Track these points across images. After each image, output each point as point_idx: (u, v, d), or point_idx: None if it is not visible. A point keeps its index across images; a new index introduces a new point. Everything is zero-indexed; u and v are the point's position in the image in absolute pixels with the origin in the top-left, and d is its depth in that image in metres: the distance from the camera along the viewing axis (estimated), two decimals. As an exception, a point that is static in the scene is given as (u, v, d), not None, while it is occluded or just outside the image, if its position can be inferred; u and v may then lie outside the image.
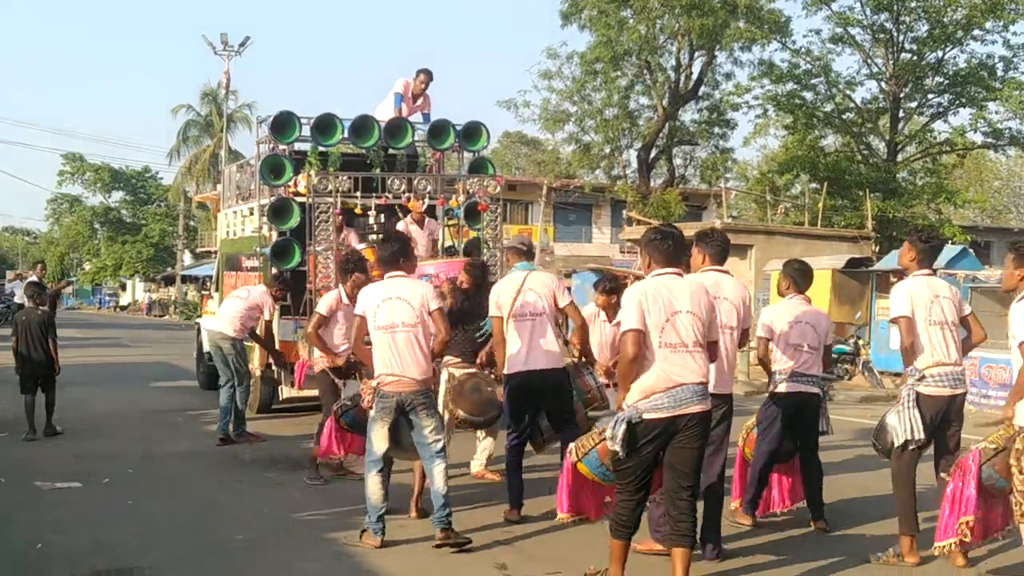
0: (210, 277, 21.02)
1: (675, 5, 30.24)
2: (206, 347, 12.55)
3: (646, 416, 5.74)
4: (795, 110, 32.96)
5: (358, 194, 12.58)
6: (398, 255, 7.30)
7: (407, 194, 12.76)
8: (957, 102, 32.28)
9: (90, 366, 20.99)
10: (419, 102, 14.26)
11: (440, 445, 7.16)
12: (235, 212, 14.96)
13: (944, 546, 6.46)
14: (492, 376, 8.58)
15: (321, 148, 12.98)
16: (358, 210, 12.65)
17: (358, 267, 9.29)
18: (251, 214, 13.83)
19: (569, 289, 9.34)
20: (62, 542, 7.30)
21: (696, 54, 33.53)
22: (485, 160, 14.41)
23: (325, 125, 12.73)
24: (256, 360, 12.69)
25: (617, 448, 5.75)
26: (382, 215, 13.00)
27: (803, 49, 32.87)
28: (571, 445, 6.61)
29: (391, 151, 13.69)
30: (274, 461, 10.40)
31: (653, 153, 34.82)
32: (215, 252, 18.89)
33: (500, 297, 7.93)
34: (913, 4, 30.88)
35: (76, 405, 14.14)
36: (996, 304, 16.21)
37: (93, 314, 66.03)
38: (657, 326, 5.74)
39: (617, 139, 34.84)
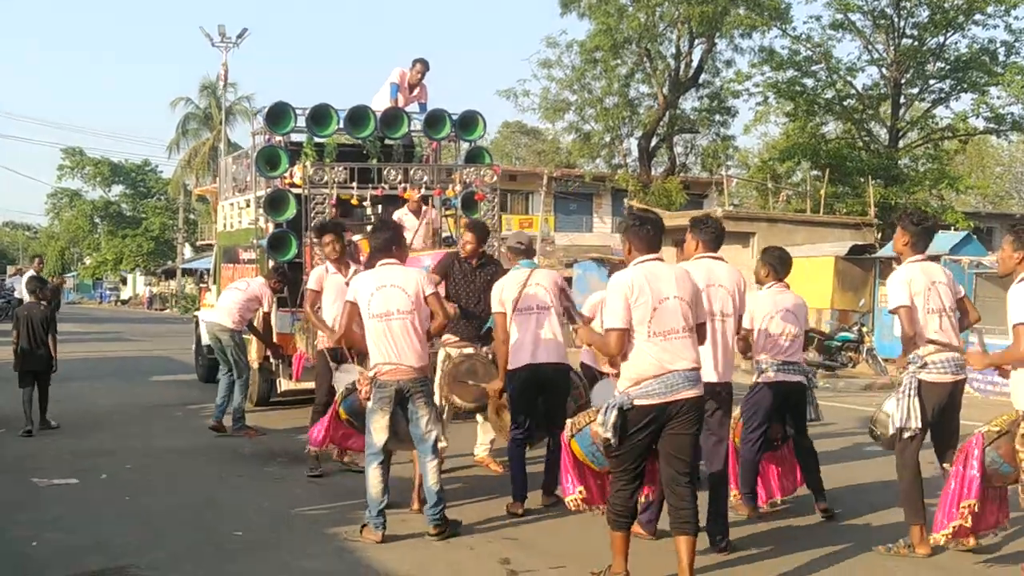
0: (208, 270, 20.96)
1: (675, -8, 30.16)
2: (205, 340, 12.54)
3: (637, 403, 5.70)
4: (796, 97, 32.83)
5: (354, 185, 12.51)
6: (391, 243, 7.27)
7: (403, 184, 12.69)
8: (959, 87, 32.15)
9: (90, 360, 20.94)
10: (415, 92, 14.17)
11: (434, 438, 7.10)
12: (232, 204, 14.91)
13: (944, 535, 6.37)
14: (489, 356, 8.55)
15: (317, 139, 12.90)
16: (354, 201, 12.57)
17: (328, 229, 9.46)
18: (248, 206, 13.78)
19: (570, 281, 9.30)
20: (59, 540, 7.20)
21: (696, 41, 33.43)
22: (482, 150, 14.31)
23: (320, 115, 12.63)
24: (254, 352, 12.62)
25: (608, 435, 5.70)
26: (379, 206, 12.92)
27: (803, 36, 32.76)
28: (568, 422, 6.56)
29: (387, 141, 13.62)
30: (273, 455, 10.32)
31: (654, 141, 34.72)
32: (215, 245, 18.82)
33: (504, 293, 7.87)
34: (914, -11, 30.79)
35: (76, 400, 14.11)
36: (1001, 290, 16.05)
37: (94, 308, 66.02)
38: (645, 316, 5.70)
39: (617, 128, 34.74)
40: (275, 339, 12.06)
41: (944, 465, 6.72)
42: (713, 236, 7.00)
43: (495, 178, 13.17)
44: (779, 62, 32.60)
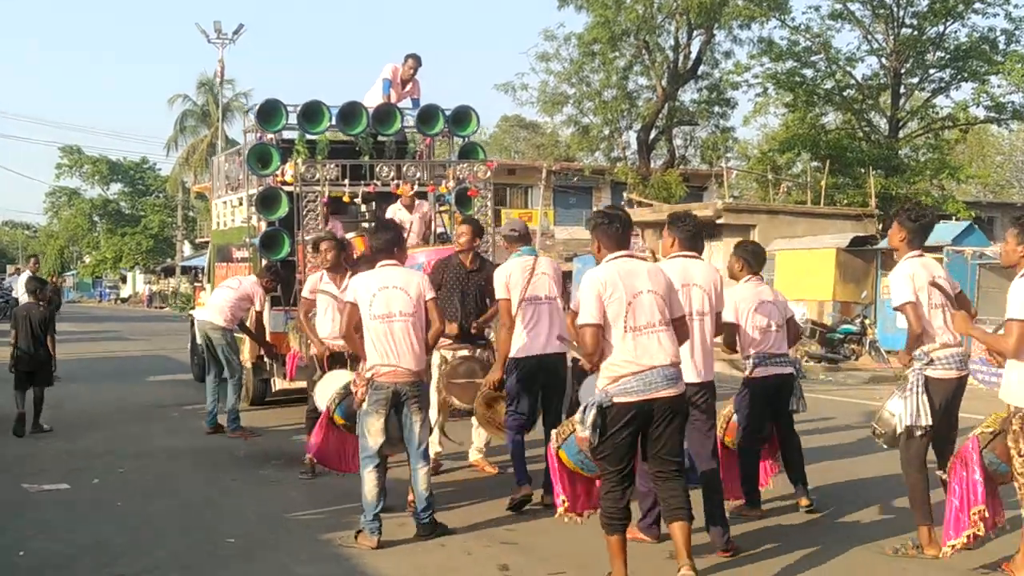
0: (202, 269, 20.93)
1: (672, -17, 30.01)
2: (199, 338, 12.42)
3: (616, 400, 5.65)
4: (795, 88, 32.75)
5: (346, 182, 12.37)
6: (392, 244, 7.20)
7: (396, 181, 12.56)
8: (959, 77, 32.06)
9: (87, 360, 20.83)
10: (408, 88, 14.03)
11: (426, 445, 7.10)
12: (225, 202, 14.80)
13: (956, 543, 6.21)
14: (486, 357, 8.49)
15: (309, 136, 12.77)
16: (346, 198, 12.45)
17: (321, 239, 9.54)
18: (240, 204, 13.67)
19: (569, 275, 9.25)
20: (46, 548, 7.05)
21: (695, 33, 33.26)
22: (475, 145, 14.22)
23: (312, 112, 12.51)
24: (247, 352, 12.52)
25: (588, 434, 5.64)
26: (372, 203, 12.80)
27: (802, 26, 32.73)
28: (552, 432, 6.48)
29: (380, 138, 13.49)
30: (268, 457, 10.16)
31: (653, 134, 34.61)
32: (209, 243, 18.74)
33: (511, 279, 7.80)
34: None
35: (71, 401, 13.97)
36: (1005, 281, 15.95)
37: (94, 307, 66.01)
38: (620, 312, 5.68)
39: (616, 120, 34.60)
40: (268, 338, 11.98)
41: (939, 473, 6.62)
42: (690, 234, 6.87)
43: (488, 173, 13.05)
44: (778, 53, 32.51)
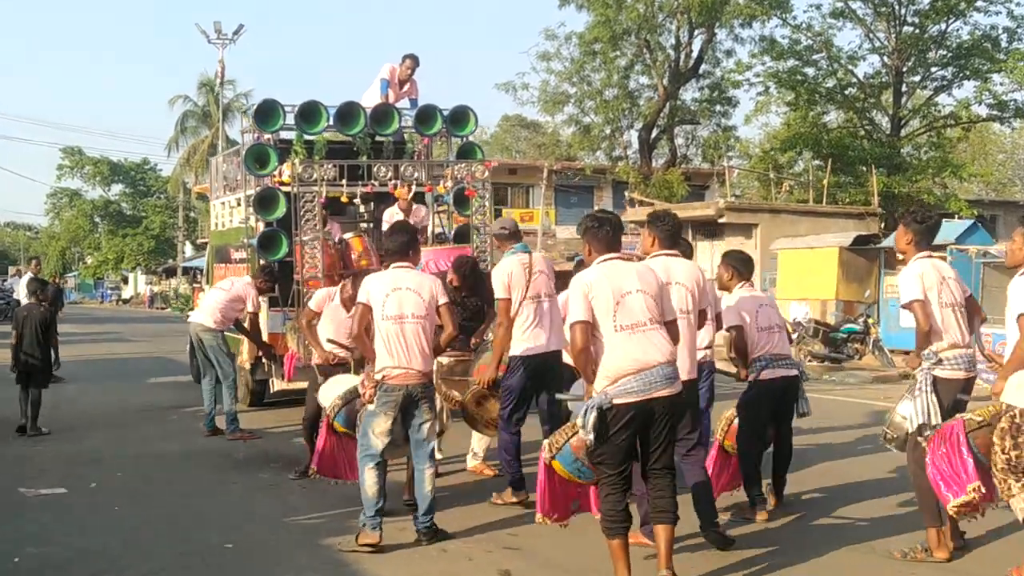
0: (202, 270, 20.90)
1: (673, -18, 29.93)
2: (192, 341, 12.41)
3: (616, 401, 5.61)
4: (797, 86, 32.67)
5: (344, 182, 12.28)
6: (408, 246, 7.20)
7: (394, 181, 12.48)
8: (961, 75, 32.00)
9: (88, 362, 20.80)
10: (406, 88, 13.97)
11: (432, 446, 7.05)
12: (223, 203, 14.75)
13: (956, 504, 6.13)
14: (487, 343, 8.50)
15: (307, 136, 12.71)
16: (344, 198, 12.38)
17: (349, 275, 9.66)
18: (238, 205, 13.61)
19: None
20: (42, 554, 6.96)
21: (696, 32, 33.17)
22: (473, 145, 14.14)
23: (309, 112, 12.43)
24: (245, 353, 12.44)
25: (589, 437, 5.59)
26: (370, 203, 12.74)
27: (804, 24, 32.65)
28: (544, 442, 6.36)
29: (378, 138, 13.41)
30: (268, 460, 10.08)
31: (654, 133, 34.52)
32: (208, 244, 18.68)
33: (513, 280, 7.76)
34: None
35: (71, 403, 13.94)
36: (1009, 280, 15.90)
37: (95, 308, 65.97)
38: (608, 311, 5.69)
39: (617, 120, 34.52)
40: (265, 339, 11.95)
41: (920, 440, 6.55)
42: (669, 233, 6.90)
43: (486, 173, 12.99)
44: (779, 52, 32.45)
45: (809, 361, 18.64)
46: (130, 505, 8.39)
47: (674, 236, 6.93)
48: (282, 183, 12.31)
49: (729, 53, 34.08)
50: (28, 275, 17.53)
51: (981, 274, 17.72)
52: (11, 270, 60.88)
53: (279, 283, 11.95)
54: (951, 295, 6.62)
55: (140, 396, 15.39)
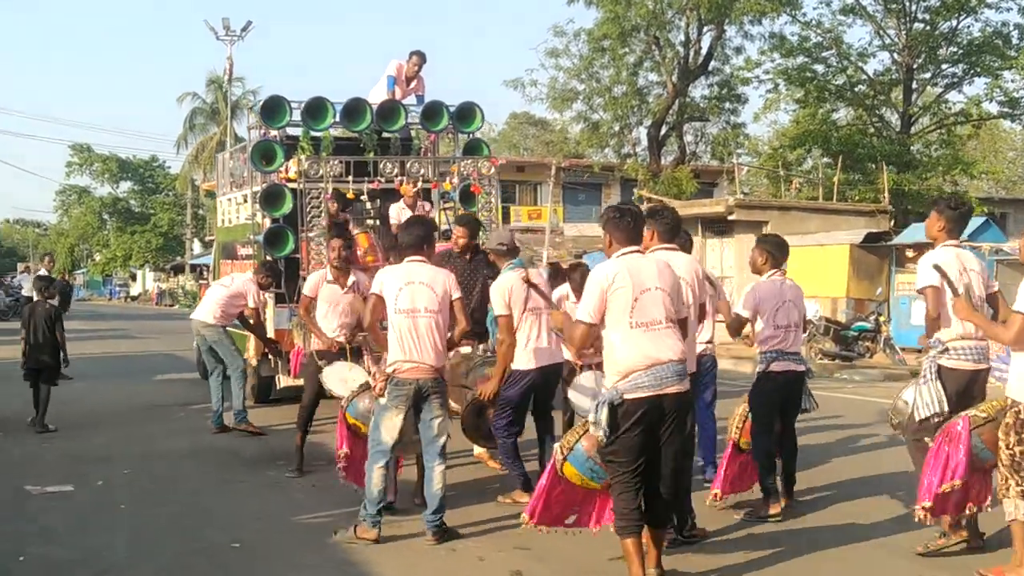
0: (208, 267, 20.91)
1: (682, -22, 29.77)
2: (195, 338, 12.42)
3: (627, 396, 5.61)
4: (806, 84, 32.52)
5: (350, 179, 12.30)
6: (423, 240, 7.17)
7: (400, 178, 12.45)
8: (972, 72, 31.78)
9: (95, 359, 20.71)
10: (413, 84, 13.98)
11: (443, 443, 6.98)
12: (229, 200, 14.73)
13: (925, 506, 6.21)
14: (488, 354, 8.49)
15: (313, 133, 12.70)
16: (350, 194, 12.37)
17: (336, 234, 9.57)
18: (244, 201, 13.57)
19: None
20: (47, 553, 6.92)
21: (705, 28, 32.97)
22: (480, 141, 14.11)
23: (316, 109, 12.44)
24: (252, 349, 12.41)
25: (601, 433, 5.57)
26: (377, 200, 12.72)
27: (813, 21, 32.44)
28: (555, 446, 6.33)
29: (384, 134, 13.41)
30: (275, 458, 9.97)
31: (663, 130, 34.34)
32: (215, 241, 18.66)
33: (513, 296, 7.69)
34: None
35: (78, 400, 13.86)
36: (1022, 276, 15.82)
37: (103, 305, 65.96)
38: (626, 307, 5.66)
39: (626, 117, 34.36)
40: (271, 335, 11.97)
41: (926, 439, 6.56)
42: (668, 227, 6.90)
43: (493, 170, 12.95)
44: (789, 49, 32.31)
45: (820, 359, 18.56)
46: (136, 503, 8.33)
47: (673, 230, 6.93)
48: (288, 179, 12.30)
49: (739, 50, 33.91)
50: (41, 271, 17.50)
51: (995, 271, 17.60)
52: (20, 267, 61.07)
53: (285, 280, 11.90)
54: (970, 287, 6.52)
55: (147, 393, 15.35)
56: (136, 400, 14.51)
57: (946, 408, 6.46)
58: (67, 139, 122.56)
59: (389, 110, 12.97)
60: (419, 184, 12.55)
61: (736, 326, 7.68)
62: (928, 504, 6.21)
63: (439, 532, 6.91)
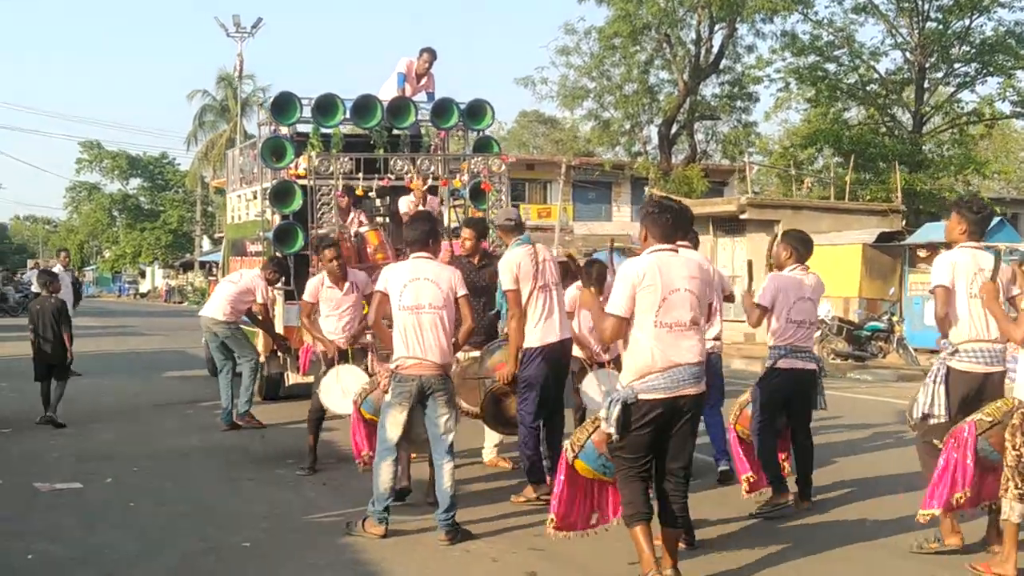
0: (217, 264, 20.91)
1: (694, -24, 29.69)
2: (204, 335, 12.41)
3: (641, 396, 5.60)
4: (818, 82, 32.40)
5: (360, 175, 12.26)
6: (428, 236, 7.10)
7: (410, 175, 12.43)
8: (984, 71, 31.64)
9: (104, 356, 20.75)
10: (423, 81, 14.01)
11: (451, 440, 6.92)
12: (239, 196, 14.72)
13: (927, 514, 6.19)
14: (501, 340, 8.32)
15: (323, 129, 12.70)
16: (359, 191, 12.33)
17: (324, 244, 9.47)
18: (254, 198, 13.57)
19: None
20: (55, 551, 6.84)
21: (717, 26, 32.89)
22: (490, 139, 14.08)
23: (326, 106, 12.42)
24: (260, 346, 12.40)
25: (612, 430, 5.55)
26: (387, 197, 12.68)
27: (825, 20, 32.34)
28: (566, 443, 6.26)
29: (394, 131, 13.40)
30: (285, 455, 9.91)
31: (674, 128, 34.27)
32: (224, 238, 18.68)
33: (522, 270, 7.62)
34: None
35: (87, 397, 13.82)
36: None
37: (112, 302, 66.13)
38: (653, 306, 5.61)
39: (637, 115, 34.34)
40: (280, 331, 11.96)
41: (935, 442, 6.49)
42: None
43: (503, 167, 12.90)
44: (800, 47, 32.21)
45: (832, 359, 18.46)
46: (146, 501, 8.26)
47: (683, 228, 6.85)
48: (298, 176, 12.28)
49: (750, 48, 33.87)
50: (57, 266, 17.50)
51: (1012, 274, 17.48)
52: (30, 263, 61.12)
53: (295, 277, 11.86)
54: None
55: (156, 390, 15.30)
56: (145, 397, 14.46)
57: (943, 412, 6.43)
58: (77, 136, 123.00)
59: (399, 107, 12.94)
60: (429, 181, 12.52)
61: (758, 316, 7.59)
62: (937, 512, 6.17)
63: (452, 531, 6.84)
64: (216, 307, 11.34)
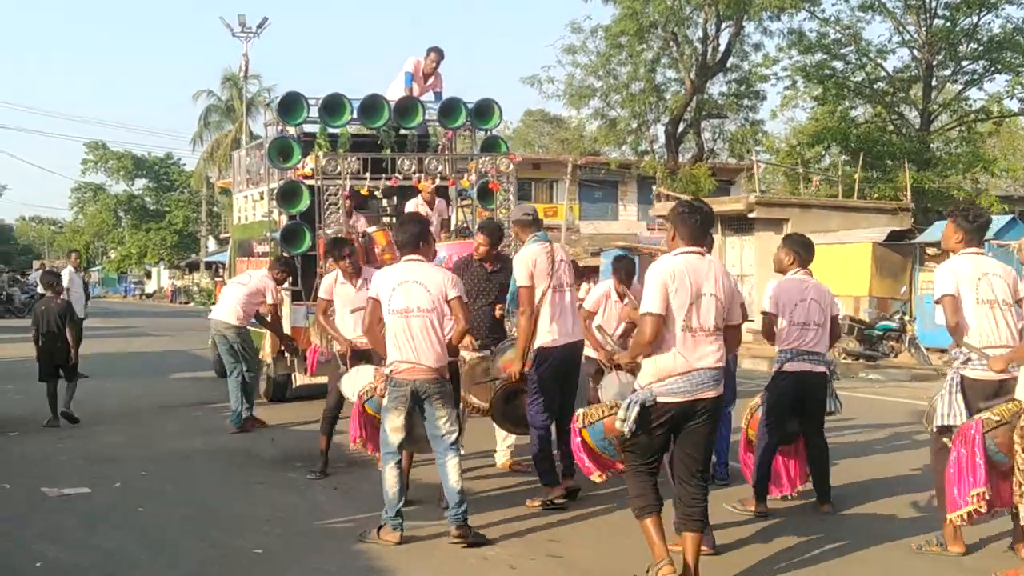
0: (223, 264, 20.88)
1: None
2: (213, 338, 12.32)
3: (660, 399, 5.59)
4: (825, 81, 32.33)
5: (367, 175, 12.23)
6: (418, 238, 6.96)
7: (418, 175, 12.37)
8: (992, 69, 31.61)
9: (110, 357, 20.71)
10: (430, 81, 13.96)
11: (453, 437, 6.83)
12: (246, 197, 14.68)
13: (958, 515, 6.12)
14: (511, 339, 8.30)
15: (330, 129, 12.69)
16: (365, 191, 12.30)
17: (335, 251, 9.45)
18: (261, 198, 13.53)
19: (596, 270, 9.11)
20: (63, 558, 6.75)
21: (723, 25, 32.87)
22: (498, 138, 14.11)
23: (333, 106, 12.42)
24: (268, 346, 12.32)
25: (626, 429, 5.54)
26: (394, 197, 12.61)
27: (832, 18, 32.27)
28: (579, 412, 6.29)
29: (402, 131, 13.37)
30: (294, 459, 9.82)
31: (681, 127, 34.21)
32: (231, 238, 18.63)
33: (537, 267, 7.54)
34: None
35: (93, 399, 13.73)
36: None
37: (118, 302, 66.20)
38: (681, 308, 5.58)
39: (644, 114, 34.30)
40: (287, 332, 11.93)
41: (944, 440, 6.45)
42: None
43: (511, 167, 12.84)
44: (807, 45, 32.15)
45: (844, 359, 18.35)
46: (154, 506, 8.17)
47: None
48: (305, 176, 12.22)
49: (757, 47, 33.86)
50: (69, 268, 17.43)
51: (1021, 271, 17.34)
52: (35, 264, 61.15)
53: (302, 277, 11.80)
54: (991, 292, 6.41)
55: (164, 392, 15.23)
56: (152, 399, 14.39)
57: (964, 420, 6.30)
58: (82, 136, 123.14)
59: (407, 107, 12.93)
60: (436, 181, 12.44)
61: (767, 325, 7.54)
62: (965, 512, 6.09)
63: (464, 528, 6.75)
64: (228, 311, 11.24)
